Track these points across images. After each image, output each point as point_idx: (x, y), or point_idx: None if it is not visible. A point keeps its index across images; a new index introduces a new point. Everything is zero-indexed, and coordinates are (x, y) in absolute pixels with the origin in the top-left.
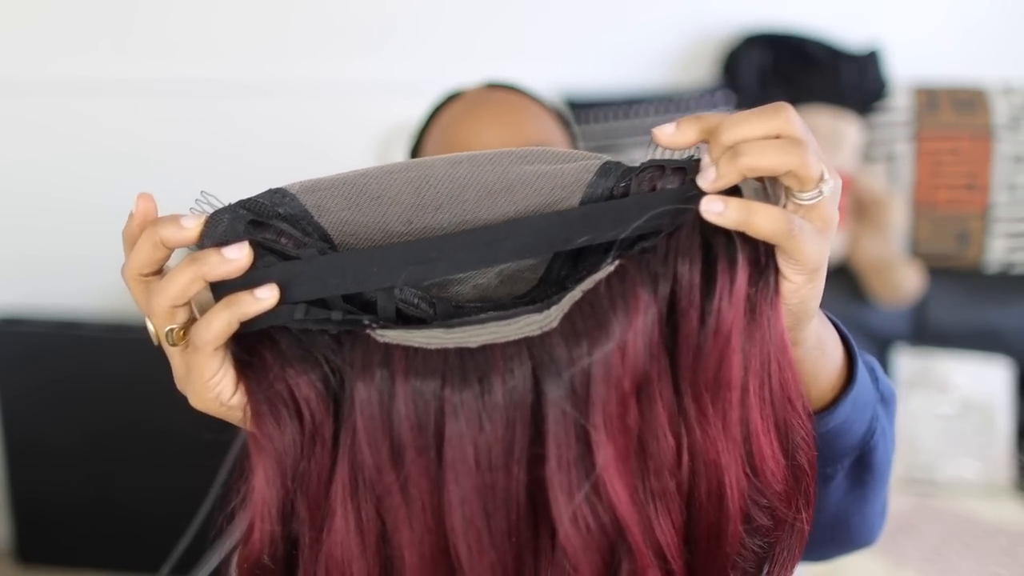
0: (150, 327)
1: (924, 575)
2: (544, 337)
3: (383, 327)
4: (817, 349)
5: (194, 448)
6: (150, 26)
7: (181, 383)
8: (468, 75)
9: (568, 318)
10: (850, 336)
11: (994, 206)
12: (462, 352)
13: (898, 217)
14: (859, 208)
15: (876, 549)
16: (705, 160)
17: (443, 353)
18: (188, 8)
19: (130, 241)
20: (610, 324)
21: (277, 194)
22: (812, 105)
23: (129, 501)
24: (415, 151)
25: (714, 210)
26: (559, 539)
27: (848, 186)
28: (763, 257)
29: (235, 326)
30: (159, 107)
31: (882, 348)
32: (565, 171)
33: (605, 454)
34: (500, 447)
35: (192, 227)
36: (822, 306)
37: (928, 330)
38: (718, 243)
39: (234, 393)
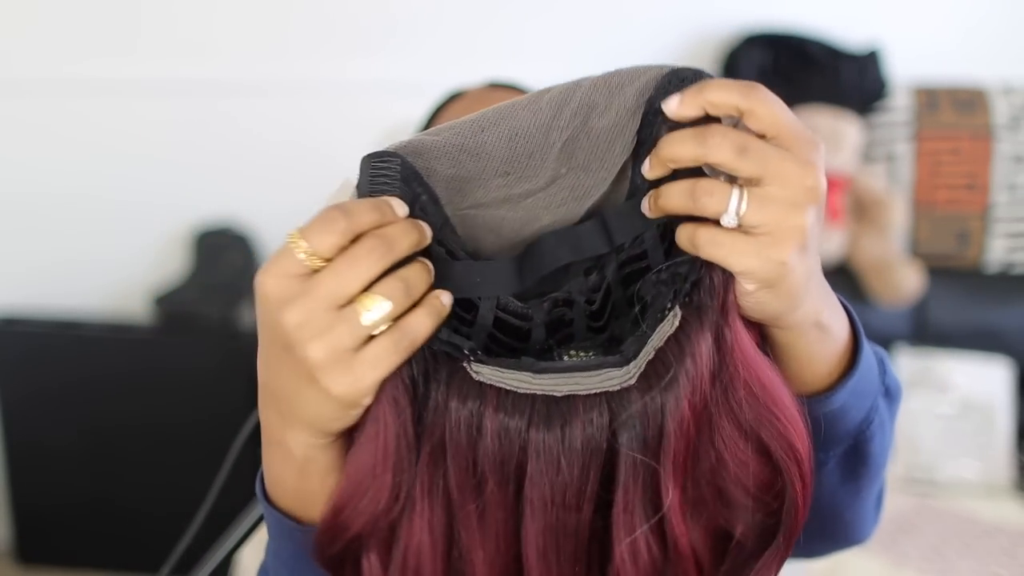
0: (366, 320)
1: (924, 575)
2: (623, 393)
3: (479, 361)
4: (815, 332)
5: (194, 448)
6: (150, 27)
7: (336, 365)
8: (468, 75)
9: (644, 377)
10: (859, 323)
11: (994, 206)
12: (548, 399)
13: (898, 217)
14: (859, 208)
15: (876, 549)
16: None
17: (531, 398)
18: (189, 9)
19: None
20: (679, 380)
21: (394, 158)
22: (812, 105)
23: (129, 501)
24: None
25: (644, 168)
26: (614, 566)
27: (848, 186)
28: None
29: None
30: (160, 107)
31: (882, 348)
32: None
33: (672, 497)
34: (574, 488)
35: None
36: None
37: (928, 330)
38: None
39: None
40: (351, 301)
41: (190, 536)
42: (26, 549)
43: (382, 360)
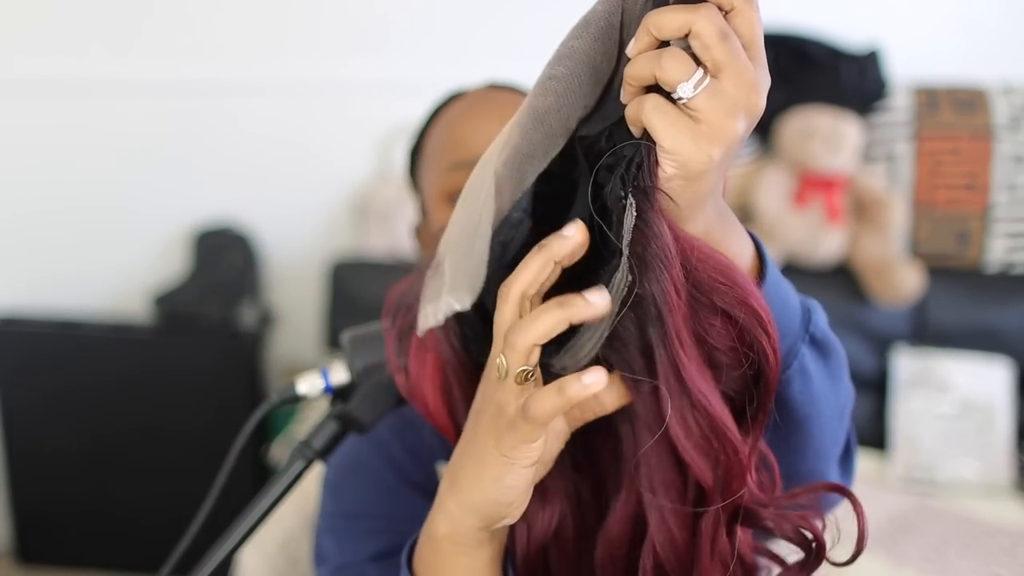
0: (502, 362)
1: (924, 575)
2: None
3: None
4: None
5: (194, 449)
6: (150, 27)
7: (500, 426)
8: (467, 75)
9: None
10: (769, 257)
11: (994, 206)
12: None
13: (898, 217)
14: (859, 208)
15: (876, 549)
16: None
17: None
18: (187, 9)
19: (543, 263)
20: (656, 267)
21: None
22: (812, 105)
23: (129, 502)
24: (416, 151)
25: (629, 47)
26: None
27: (848, 186)
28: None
29: (564, 407)
30: (160, 108)
31: (882, 348)
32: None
33: (689, 360)
34: None
35: (574, 233)
36: (820, 303)
37: (928, 330)
38: None
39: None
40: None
41: (190, 537)
42: (26, 549)
43: (518, 426)
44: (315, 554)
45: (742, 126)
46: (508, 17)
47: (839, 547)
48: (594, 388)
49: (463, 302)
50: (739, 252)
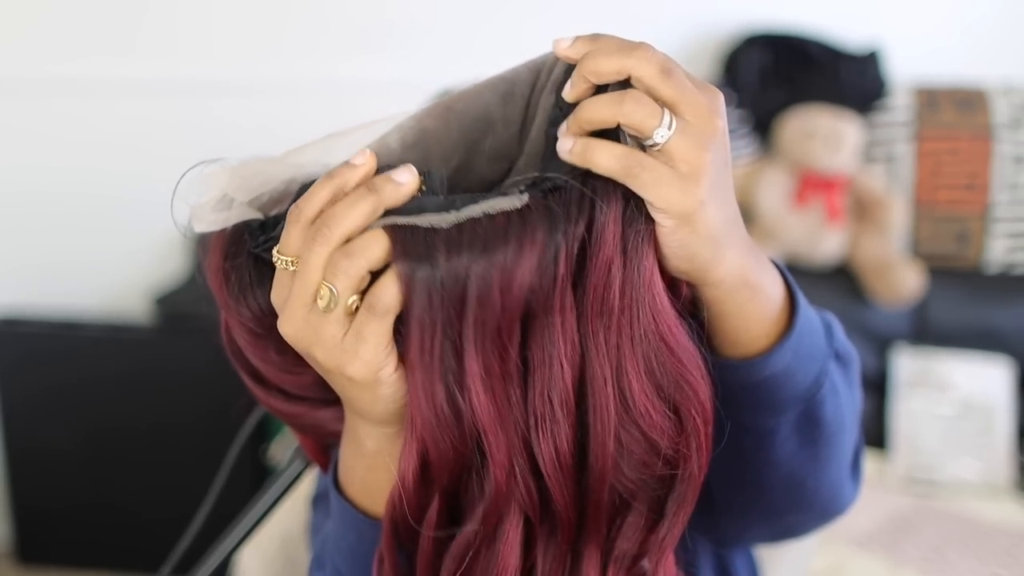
0: (329, 289)
1: (924, 575)
2: (430, 232)
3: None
4: (744, 290)
5: (194, 448)
6: (151, 27)
7: (341, 356)
8: (467, 75)
9: (459, 227)
10: (796, 285)
11: (994, 206)
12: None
13: (898, 217)
14: (859, 208)
15: (876, 549)
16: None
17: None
18: (186, 9)
19: (332, 191)
20: (495, 253)
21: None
22: (812, 105)
23: (129, 501)
24: None
25: (564, 148)
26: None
27: (848, 186)
28: (636, 198)
29: (386, 251)
30: (159, 107)
31: (882, 348)
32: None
33: (471, 366)
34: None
35: (408, 181)
36: (819, 303)
37: (928, 330)
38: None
39: (390, 365)
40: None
41: (190, 536)
42: (26, 549)
43: (363, 332)
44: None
45: (713, 153)
46: (508, 17)
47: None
48: (408, 187)
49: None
50: (773, 283)
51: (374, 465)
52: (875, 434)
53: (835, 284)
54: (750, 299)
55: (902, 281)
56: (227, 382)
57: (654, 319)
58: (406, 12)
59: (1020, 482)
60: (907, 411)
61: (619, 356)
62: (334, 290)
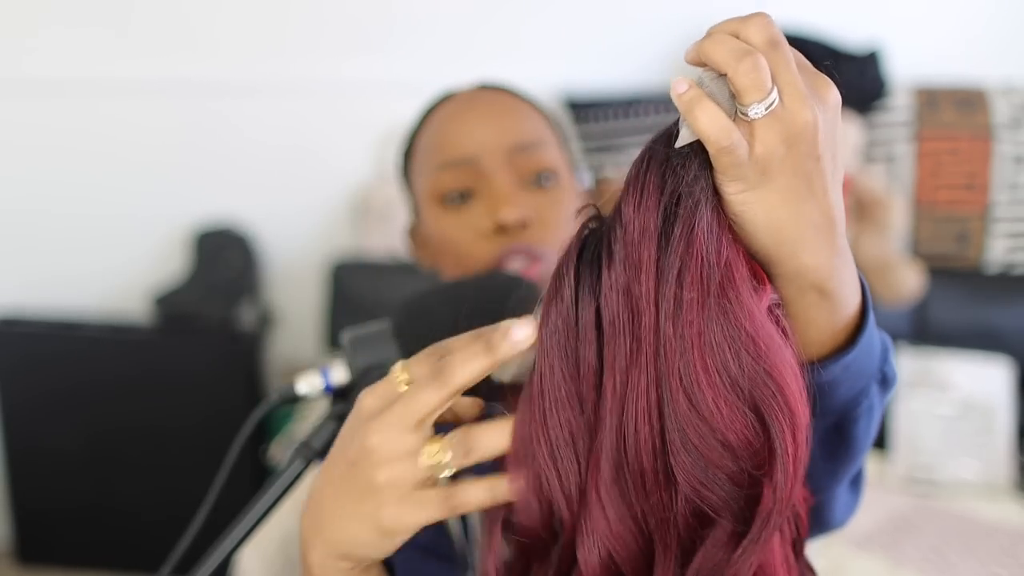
0: (442, 458)
1: (924, 575)
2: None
3: None
4: (814, 294)
5: (194, 448)
6: (151, 27)
7: (394, 496)
8: (466, 75)
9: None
10: (871, 305)
11: (994, 206)
12: None
13: (898, 217)
14: (859, 208)
15: (876, 549)
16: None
17: None
18: (189, 10)
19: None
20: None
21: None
22: None
23: (129, 501)
24: (408, 152)
25: (677, 89)
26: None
27: (848, 186)
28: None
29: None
30: (160, 108)
31: (889, 338)
32: None
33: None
34: None
35: (525, 339)
36: None
37: (928, 330)
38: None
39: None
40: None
41: (190, 536)
42: (26, 549)
43: (428, 507)
44: None
45: (785, 147)
46: (508, 17)
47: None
48: (523, 345)
49: None
50: (849, 298)
51: None
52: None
53: None
54: (817, 304)
55: (902, 281)
56: (227, 382)
57: (729, 303)
58: (406, 12)
59: (1020, 482)
60: (907, 411)
61: (683, 344)
62: (446, 461)
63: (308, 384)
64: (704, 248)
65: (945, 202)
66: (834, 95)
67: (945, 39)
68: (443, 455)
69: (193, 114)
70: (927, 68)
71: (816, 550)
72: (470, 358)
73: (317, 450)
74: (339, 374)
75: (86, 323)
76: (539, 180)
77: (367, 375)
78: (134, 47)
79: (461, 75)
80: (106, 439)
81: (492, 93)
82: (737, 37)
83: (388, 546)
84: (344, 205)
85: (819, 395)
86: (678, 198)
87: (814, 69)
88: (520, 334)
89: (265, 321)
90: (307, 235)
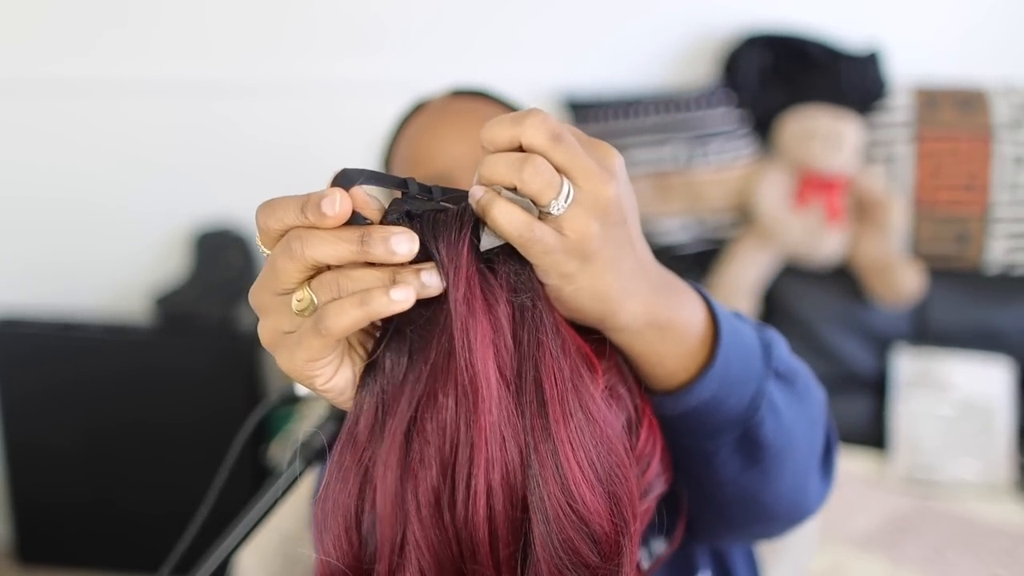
0: (311, 298)
1: (924, 575)
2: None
3: None
4: (651, 331)
5: (194, 448)
6: (151, 27)
7: (279, 343)
8: (465, 75)
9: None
10: (721, 315)
11: (994, 206)
12: None
13: (898, 217)
14: (859, 208)
15: (876, 549)
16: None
17: None
18: (180, 9)
19: (296, 217)
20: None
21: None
22: (812, 105)
23: (129, 501)
24: (386, 162)
25: (473, 195)
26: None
27: (848, 186)
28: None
29: (363, 323)
30: (160, 108)
31: (882, 348)
32: None
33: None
34: None
35: (406, 254)
36: (819, 303)
37: (928, 330)
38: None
39: (330, 380)
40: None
41: (190, 536)
42: (26, 549)
43: (304, 339)
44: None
45: (598, 224)
46: (507, 17)
47: (838, 545)
48: (402, 305)
49: None
50: (689, 319)
51: None
52: (875, 434)
53: (835, 284)
54: (658, 339)
55: (902, 281)
56: (227, 382)
57: (575, 390)
58: (401, 12)
59: (1020, 482)
60: (907, 411)
61: (552, 439)
62: (316, 301)
63: None
64: (551, 352)
65: (945, 202)
66: (617, 159)
67: (945, 39)
68: (310, 294)
69: (193, 114)
70: (927, 68)
71: (815, 550)
72: (336, 241)
73: (316, 450)
74: None
75: (86, 323)
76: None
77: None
78: (133, 47)
79: (460, 75)
80: (106, 439)
81: (464, 102)
82: (519, 142)
83: (321, 396)
84: None
85: (708, 414)
86: (520, 306)
87: (593, 140)
88: (403, 248)
89: None
90: None
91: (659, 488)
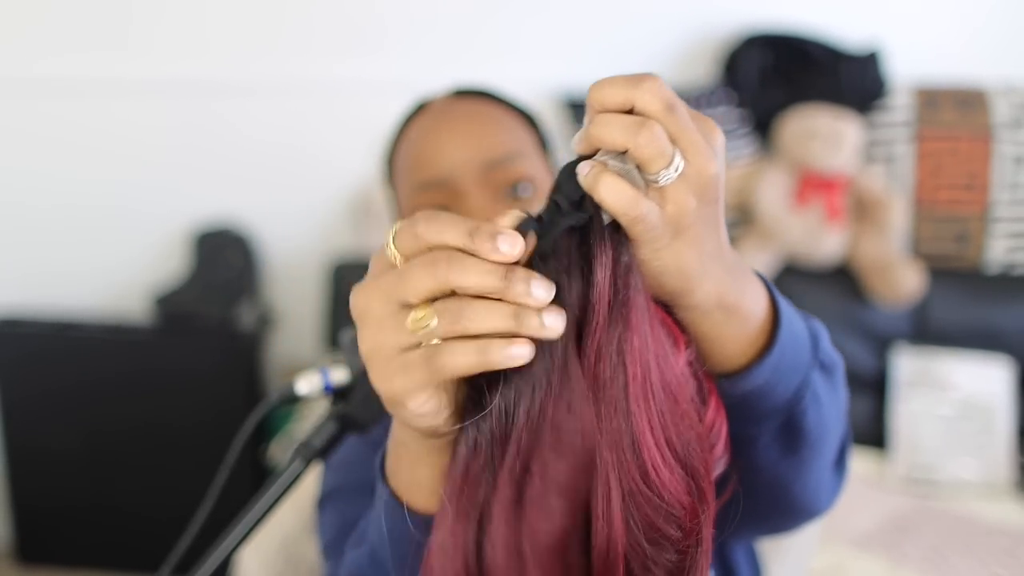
0: (429, 324)
1: (924, 575)
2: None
3: None
4: (718, 313)
5: (194, 448)
6: (151, 27)
7: (381, 358)
8: (465, 75)
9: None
10: (782, 302)
11: (994, 206)
12: None
13: (898, 217)
14: (859, 208)
15: (876, 549)
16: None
17: None
18: (180, 9)
19: (462, 242)
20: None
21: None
22: (812, 105)
23: (129, 501)
24: (389, 164)
25: (580, 172)
26: None
27: (848, 186)
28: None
29: (477, 371)
30: (160, 108)
31: (882, 348)
32: None
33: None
34: None
35: (543, 298)
36: (820, 303)
37: (928, 330)
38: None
39: (423, 405)
40: (411, 306)
41: (190, 536)
42: (26, 549)
43: (411, 370)
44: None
45: (696, 201)
46: (507, 17)
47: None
48: (520, 362)
49: None
50: (752, 304)
51: (416, 463)
52: (875, 434)
53: (835, 284)
54: (724, 321)
55: (902, 281)
56: (227, 382)
57: (659, 368)
58: (401, 12)
59: (1020, 482)
60: (907, 411)
61: (628, 414)
62: (433, 327)
63: (308, 384)
64: (639, 320)
65: (945, 202)
66: (720, 137)
67: (945, 39)
68: (430, 319)
69: (193, 114)
70: (927, 68)
71: (815, 550)
72: (490, 309)
73: (316, 450)
74: (339, 374)
75: (86, 323)
76: (515, 191)
77: (367, 375)
78: (132, 47)
79: (460, 74)
80: (106, 439)
81: (466, 103)
82: (631, 105)
83: (403, 416)
84: (344, 205)
85: (758, 399)
86: (624, 270)
87: (700, 115)
88: (541, 294)
89: (265, 321)
90: (307, 235)
91: (719, 469)
